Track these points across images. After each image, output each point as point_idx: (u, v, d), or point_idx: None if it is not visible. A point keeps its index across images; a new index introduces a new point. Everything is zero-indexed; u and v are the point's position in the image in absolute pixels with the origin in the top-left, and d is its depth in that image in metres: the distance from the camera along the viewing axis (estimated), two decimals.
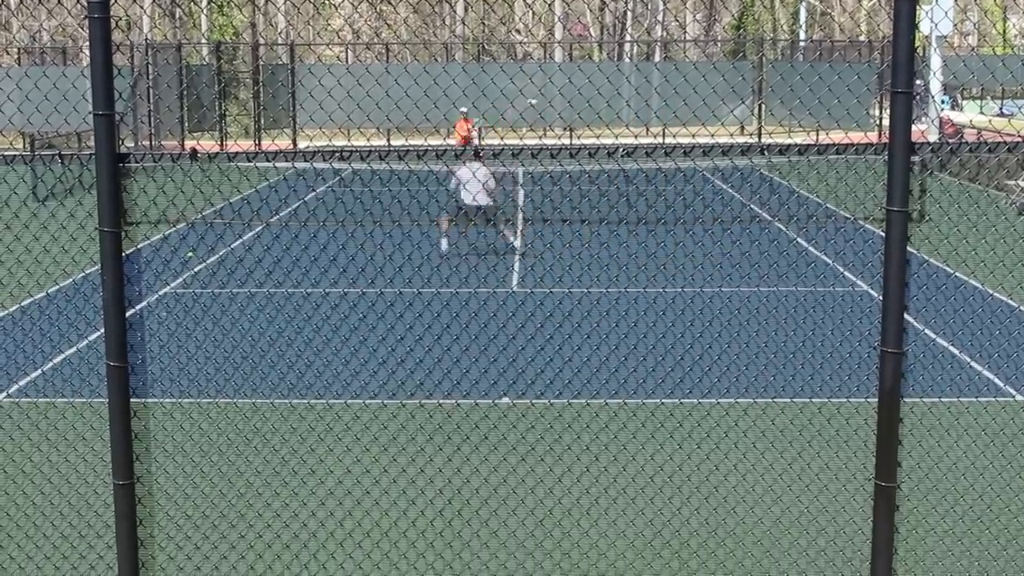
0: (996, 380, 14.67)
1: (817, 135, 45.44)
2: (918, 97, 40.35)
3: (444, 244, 23.10)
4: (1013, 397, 14.05)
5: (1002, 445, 11.65)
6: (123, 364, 6.57)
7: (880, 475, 6.62)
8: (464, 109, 40.50)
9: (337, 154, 7.00)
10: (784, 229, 26.17)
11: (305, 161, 6.84)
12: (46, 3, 62.19)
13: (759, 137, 48.76)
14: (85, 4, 6.30)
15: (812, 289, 19.32)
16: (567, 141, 47.03)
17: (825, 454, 11.54)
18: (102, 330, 6.70)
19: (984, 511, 10.50)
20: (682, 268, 18.44)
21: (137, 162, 6.62)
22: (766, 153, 6.98)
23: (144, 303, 18.88)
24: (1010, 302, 18.46)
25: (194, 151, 6.71)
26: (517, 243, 23.28)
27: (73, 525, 10.08)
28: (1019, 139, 6.74)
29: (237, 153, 6.73)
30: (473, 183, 22.09)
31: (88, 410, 12.58)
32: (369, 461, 11.36)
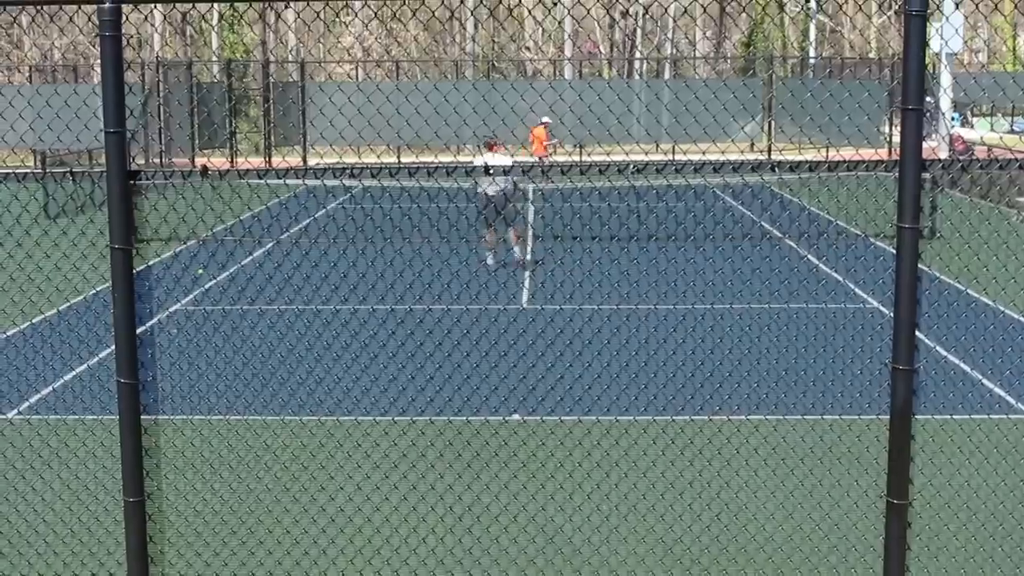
0: (1008, 397, 14.63)
1: (827, 152, 45.44)
2: (928, 114, 40.32)
3: (491, 259, 23.23)
4: None
5: (1015, 462, 11.62)
6: (134, 381, 6.58)
7: (892, 492, 6.60)
8: (546, 119, 41.14)
9: (347, 171, 7.02)
10: (795, 246, 26.15)
11: (316, 178, 6.85)
12: (57, 21, 62.41)
13: (769, 154, 48.74)
14: (96, 23, 6.32)
15: (823, 306, 19.30)
16: (577, 158, 47.10)
17: (836, 471, 11.51)
18: (112, 347, 6.70)
19: (996, 528, 10.47)
20: (693, 285, 18.44)
21: (148, 179, 6.63)
22: (776, 170, 6.98)
23: (155, 320, 18.90)
24: (1021, 319, 18.42)
25: (204, 168, 6.73)
26: (527, 256, 23.44)
27: (83, 542, 10.08)
28: None
29: (247, 171, 6.75)
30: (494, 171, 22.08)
31: (99, 427, 12.56)
32: (379, 478, 11.35)
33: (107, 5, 6.23)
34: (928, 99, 40.27)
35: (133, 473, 6.69)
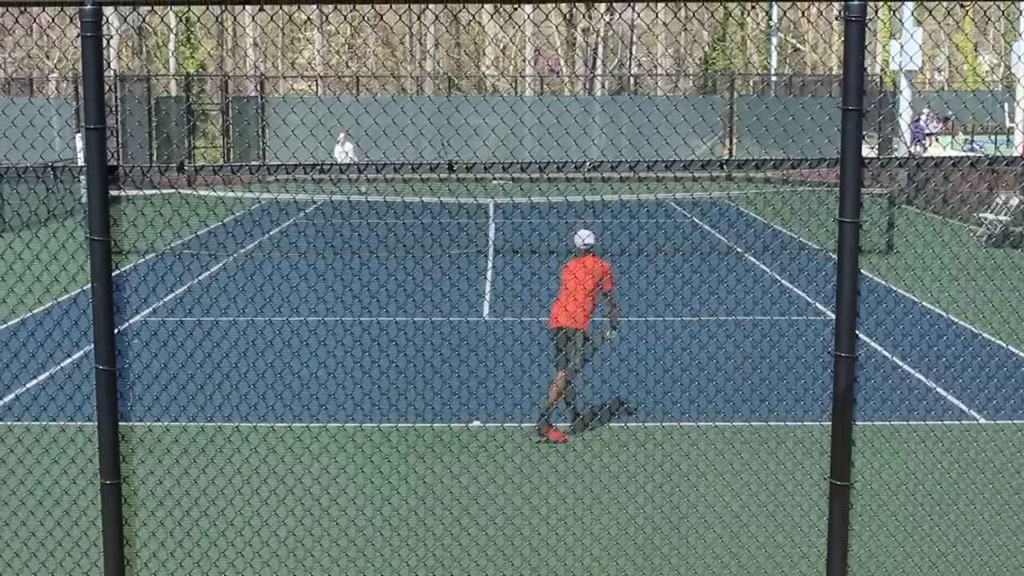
0: (960, 404, 15.01)
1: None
2: (894, 134, 40.62)
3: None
4: (976, 420, 14.39)
5: (958, 455, 12.06)
6: (112, 368, 6.83)
7: (835, 474, 6.93)
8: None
9: (312, 170, 7.33)
10: (757, 262, 26.49)
11: (287, 174, 7.15)
12: (12, 35, 62.27)
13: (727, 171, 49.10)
14: (78, 24, 6.59)
15: (786, 318, 19.64)
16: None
17: (789, 461, 11.84)
18: (80, 353, 6.93)
19: (936, 512, 10.91)
20: (655, 298, 18.74)
21: (127, 175, 6.92)
22: (725, 168, 7.31)
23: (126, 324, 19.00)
24: (973, 329, 18.82)
25: (181, 164, 7.02)
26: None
27: (61, 525, 10.31)
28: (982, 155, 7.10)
29: (222, 165, 7.04)
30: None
31: (73, 429, 12.76)
32: (345, 480, 11.65)
33: (88, 7, 6.51)
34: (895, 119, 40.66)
35: (110, 455, 6.92)
